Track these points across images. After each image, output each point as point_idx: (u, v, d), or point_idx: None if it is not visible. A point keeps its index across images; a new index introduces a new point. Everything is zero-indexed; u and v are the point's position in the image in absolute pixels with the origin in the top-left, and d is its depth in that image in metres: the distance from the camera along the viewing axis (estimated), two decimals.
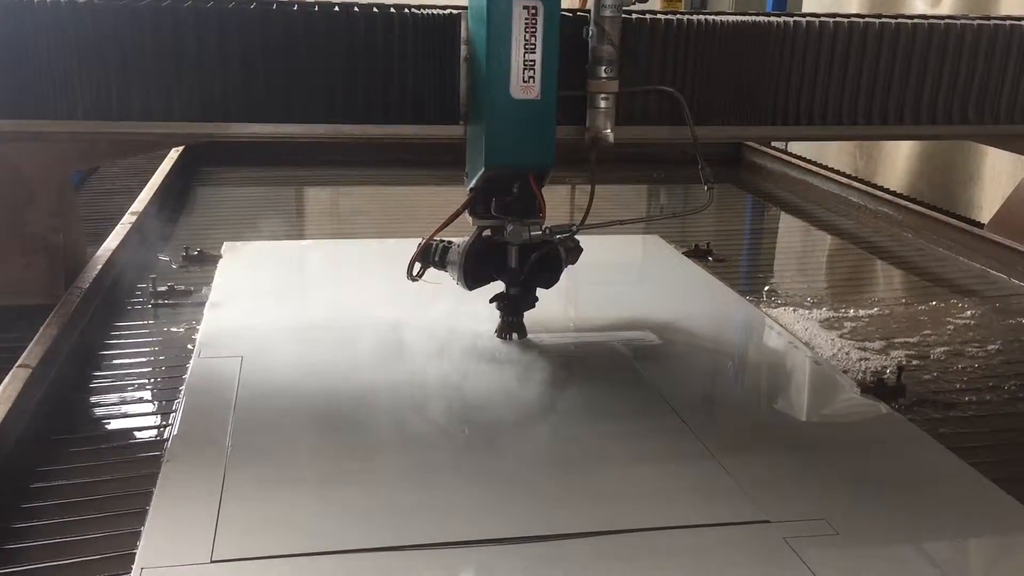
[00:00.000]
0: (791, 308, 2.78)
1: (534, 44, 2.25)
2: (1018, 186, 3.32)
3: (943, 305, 2.85)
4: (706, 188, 2.39)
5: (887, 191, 4.11)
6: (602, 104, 2.37)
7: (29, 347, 2.09)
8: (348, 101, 2.40)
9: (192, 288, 2.73)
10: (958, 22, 2.62)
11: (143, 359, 2.32)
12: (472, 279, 2.45)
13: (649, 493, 1.78)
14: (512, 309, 2.48)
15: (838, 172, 4.40)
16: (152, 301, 2.63)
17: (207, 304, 2.61)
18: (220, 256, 3.04)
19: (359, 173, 4.45)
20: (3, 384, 1.88)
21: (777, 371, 2.44)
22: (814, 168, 4.44)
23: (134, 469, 1.81)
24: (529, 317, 2.50)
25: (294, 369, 2.26)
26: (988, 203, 4.21)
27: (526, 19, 2.23)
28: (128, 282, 2.70)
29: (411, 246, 2.46)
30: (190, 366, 2.22)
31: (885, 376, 2.26)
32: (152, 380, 2.21)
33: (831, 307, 2.80)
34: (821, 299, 2.89)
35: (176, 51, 2.27)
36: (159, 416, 2.03)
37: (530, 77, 2.27)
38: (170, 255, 3.06)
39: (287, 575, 1.50)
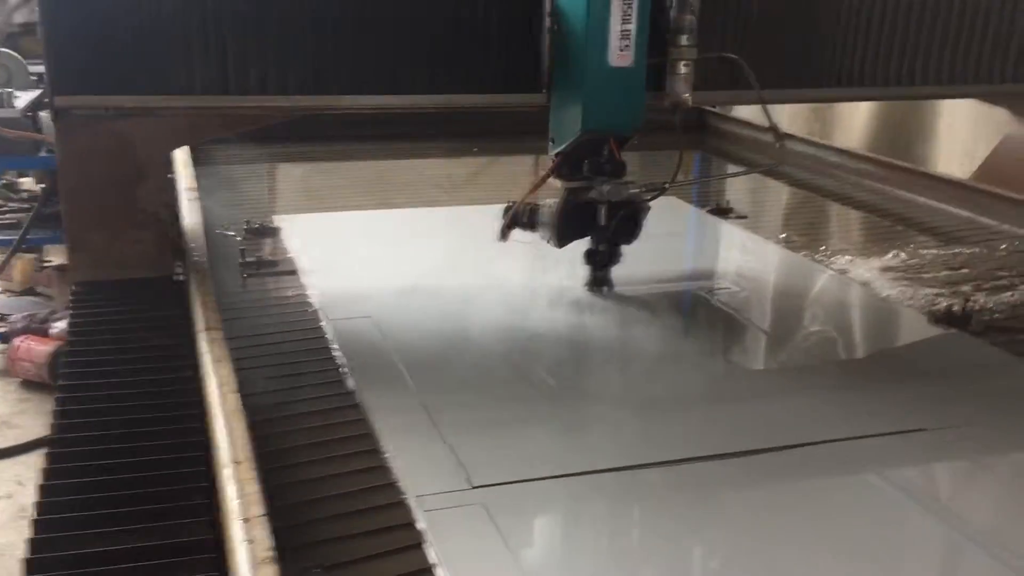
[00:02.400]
0: (843, 256, 3.04)
1: (631, 14, 2.43)
2: (1002, 140, 3.68)
3: (966, 248, 3.16)
4: (777, 145, 2.64)
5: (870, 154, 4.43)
6: (683, 70, 2.57)
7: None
8: (448, 74, 2.55)
9: (277, 259, 2.82)
10: None
11: (271, 322, 2.41)
12: (563, 237, 2.63)
13: (795, 416, 2.01)
14: (603, 264, 2.67)
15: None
16: (246, 272, 2.71)
17: (300, 272, 2.71)
18: (279, 228, 3.12)
19: (345, 148, 4.50)
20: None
21: (856, 310, 2.69)
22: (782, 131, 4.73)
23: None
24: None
25: (423, 325, 2.41)
26: (944, 158, 4.60)
27: None
28: (225, 255, 2.76)
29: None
30: (324, 326, 2.34)
31: (953, 308, 2.55)
32: (290, 341, 2.31)
33: (868, 256, 3.07)
34: (852, 250, 3.16)
35: (291, 26, 2.38)
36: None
37: (626, 46, 2.45)
38: (232, 230, 3.12)
39: (540, 495, 1.66)
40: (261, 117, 2.49)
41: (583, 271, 2.69)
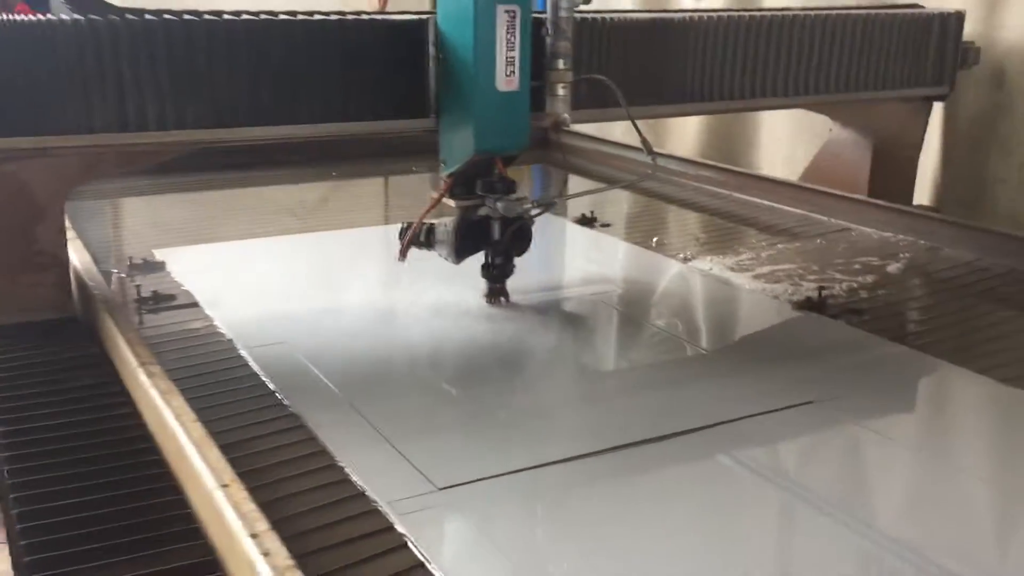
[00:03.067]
0: (701, 259, 3.32)
1: (514, 42, 2.61)
2: (825, 143, 4.08)
3: (807, 243, 3.51)
4: (651, 159, 2.87)
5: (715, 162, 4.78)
6: (561, 92, 2.77)
7: None
8: (341, 103, 2.65)
9: (171, 293, 2.82)
10: (808, 13, 3.29)
11: (184, 356, 2.43)
12: (460, 253, 2.77)
13: (699, 401, 2.23)
14: (500, 276, 2.83)
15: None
16: (143, 308, 2.71)
17: (201, 305, 2.74)
18: (162, 262, 3.12)
19: (199, 179, 4.47)
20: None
21: (728, 303, 2.96)
22: (620, 143, 5.03)
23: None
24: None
25: (339, 344, 2.50)
26: (768, 163, 5.01)
27: (507, 22, 2.59)
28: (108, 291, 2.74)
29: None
30: (243, 355, 2.39)
31: (811, 296, 2.86)
32: (213, 371, 2.35)
33: (724, 255, 3.37)
34: (709, 250, 3.45)
35: (188, 64, 2.42)
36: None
37: (511, 72, 2.63)
38: (114, 266, 3.09)
39: (500, 490, 1.80)
40: (161, 153, 2.50)
41: (476, 285, 2.84)
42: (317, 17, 2.60)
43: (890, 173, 3.90)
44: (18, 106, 2.27)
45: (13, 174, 2.37)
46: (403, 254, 2.76)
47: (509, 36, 2.60)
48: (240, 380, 2.28)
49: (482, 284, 2.85)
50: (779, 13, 3.25)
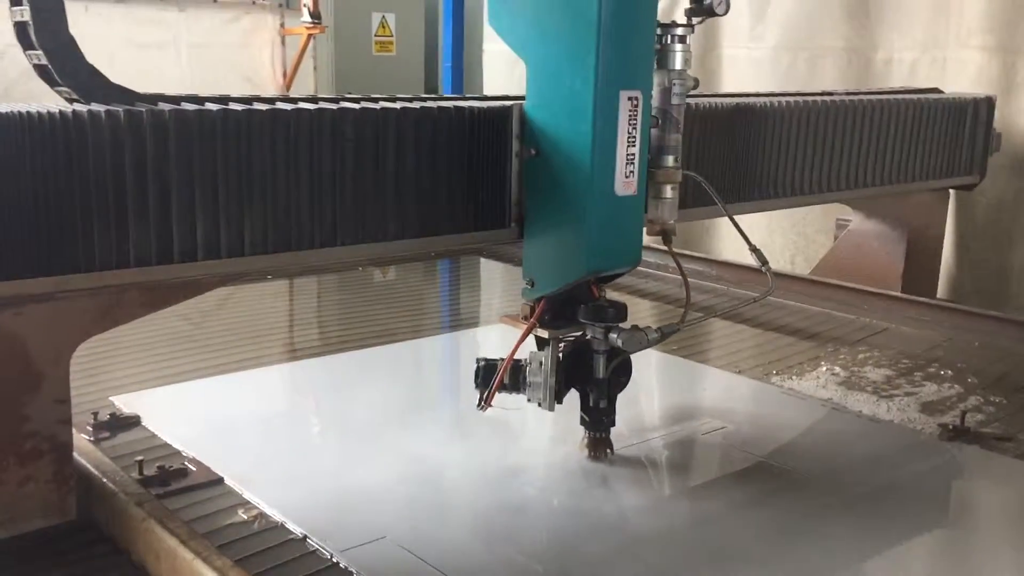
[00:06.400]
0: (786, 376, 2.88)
1: (635, 137, 2.11)
2: (842, 238, 3.77)
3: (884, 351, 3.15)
4: (763, 269, 2.41)
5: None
6: (669, 195, 2.28)
7: None
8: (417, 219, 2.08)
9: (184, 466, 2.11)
10: (856, 99, 2.97)
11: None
12: (559, 396, 2.21)
13: None
14: (606, 424, 2.27)
15: None
16: (153, 492, 1.99)
17: (229, 483, 2.05)
18: (129, 415, 2.39)
19: None
20: None
21: (850, 435, 2.51)
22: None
23: None
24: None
25: (445, 532, 1.89)
26: (732, 252, 4.68)
27: (630, 111, 2.09)
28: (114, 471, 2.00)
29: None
30: (341, 565, 1.74)
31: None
32: None
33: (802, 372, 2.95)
34: (765, 361, 3.03)
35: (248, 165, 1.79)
36: None
37: (631, 172, 2.12)
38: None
39: None
40: (198, 285, 1.84)
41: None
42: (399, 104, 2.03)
43: (918, 266, 3.62)
44: (21, 234, 1.58)
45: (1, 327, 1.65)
46: (488, 401, 2.18)
47: (631, 128, 2.10)
48: None
49: (559, 430, 2.32)
50: (832, 99, 2.91)
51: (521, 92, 2.19)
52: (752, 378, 2.87)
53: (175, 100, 1.80)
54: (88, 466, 1.85)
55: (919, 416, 2.57)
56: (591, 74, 2.02)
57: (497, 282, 4.22)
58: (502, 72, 5.61)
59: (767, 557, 1.88)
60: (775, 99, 2.77)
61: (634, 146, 2.11)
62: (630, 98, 2.08)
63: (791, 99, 2.81)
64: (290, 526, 1.88)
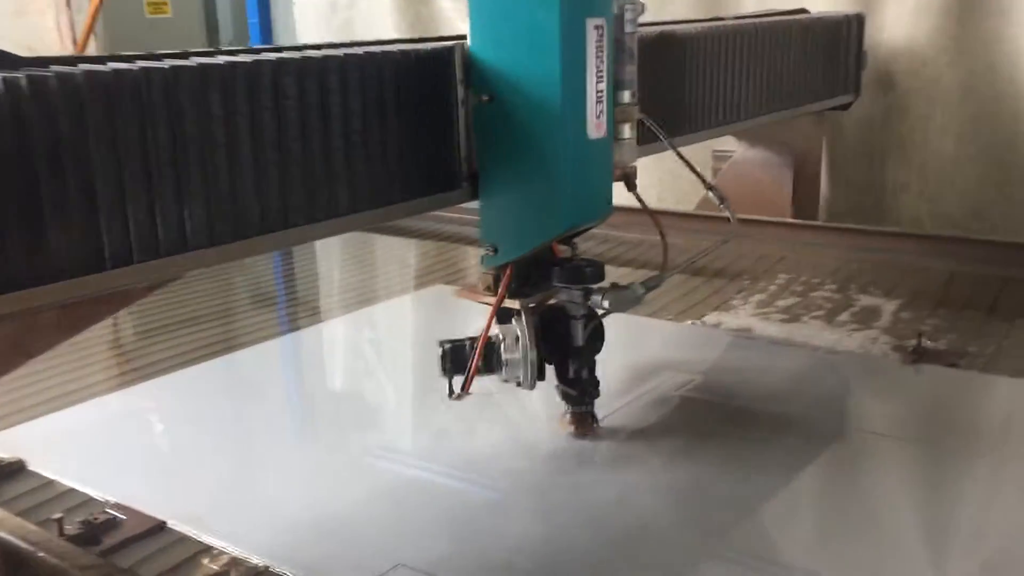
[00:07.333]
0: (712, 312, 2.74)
1: (603, 71, 1.85)
2: (724, 170, 3.67)
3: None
4: (721, 207, 2.24)
5: None
6: (627, 135, 2.04)
7: None
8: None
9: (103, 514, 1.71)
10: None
11: None
12: (541, 372, 1.95)
13: None
14: (591, 396, 2.03)
15: None
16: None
17: (183, 529, 1.67)
18: (10, 460, 1.94)
19: None
20: None
21: (832, 371, 2.40)
22: None
23: None
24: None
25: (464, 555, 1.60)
26: None
27: (596, 41, 1.83)
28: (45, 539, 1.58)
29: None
30: None
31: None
32: None
33: (731, 308, 2.82)
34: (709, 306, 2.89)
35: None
36: None
37: (601, 111, 1.87)
38: None
39: None
40: (126, 295, 1.44)
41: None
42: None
43: (803, 191, 3.58)
44: None
45: None
46: (465, 388, 1.89)
47: (598, 62, 1.85)
48: None
49: (531, 406, 2.09)
50: (721, 24, 2.74)
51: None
52: (692, 323, 2.71)
53: (70, 62, 1.39)
54: (12, 539, 1.43)
55: (875, 345, 2.50)
56: (555, 1, 1.75)
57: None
58: (317, 25, 5.18)
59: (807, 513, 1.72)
60: (663, 27, 2.54)
61: (602, 82, 1.85)
62: (596, 27, 1.82)
63: (681, 27, 2.60)
64: (279, 569, 1.54)
